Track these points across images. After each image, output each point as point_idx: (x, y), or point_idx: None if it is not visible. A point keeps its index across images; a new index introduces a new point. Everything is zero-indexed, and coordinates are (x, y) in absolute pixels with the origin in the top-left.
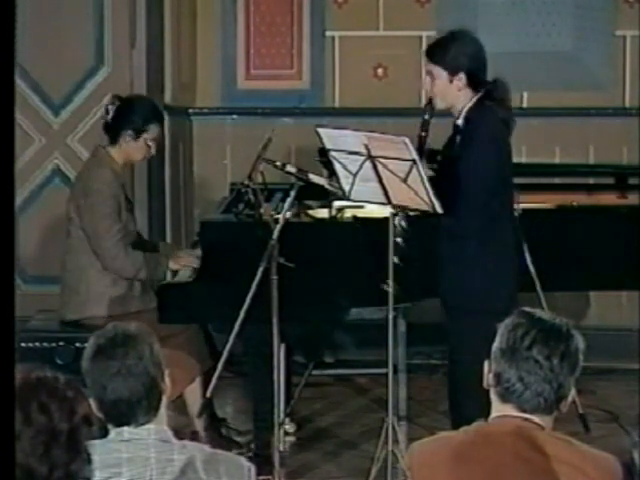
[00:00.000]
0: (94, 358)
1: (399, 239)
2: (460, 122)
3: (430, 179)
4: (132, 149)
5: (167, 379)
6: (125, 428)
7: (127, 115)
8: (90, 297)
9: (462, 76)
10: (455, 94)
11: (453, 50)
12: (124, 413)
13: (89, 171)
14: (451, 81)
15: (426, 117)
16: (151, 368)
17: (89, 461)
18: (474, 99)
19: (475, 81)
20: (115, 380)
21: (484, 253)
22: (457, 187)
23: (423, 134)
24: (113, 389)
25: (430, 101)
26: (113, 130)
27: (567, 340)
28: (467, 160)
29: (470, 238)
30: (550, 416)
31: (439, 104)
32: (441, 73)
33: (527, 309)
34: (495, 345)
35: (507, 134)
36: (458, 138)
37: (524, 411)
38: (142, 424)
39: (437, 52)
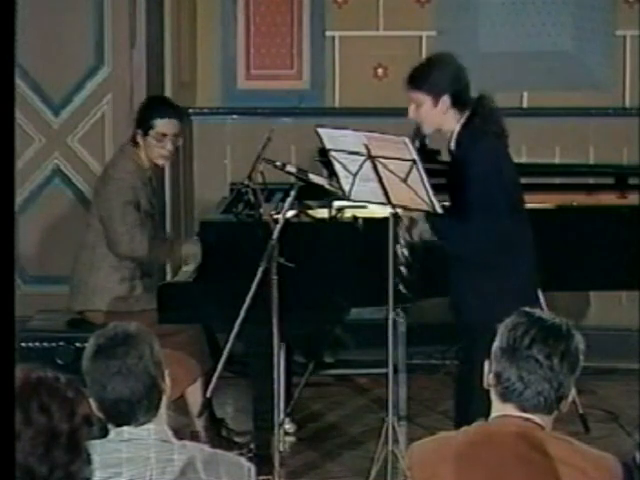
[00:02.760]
0: (94, 358)
1: (402, 253)
2: (452, 146)
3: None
4: (146, 147)
5: (167, 379)
6: (125, 428)
7: (137, 114)
8: (97, 291)
9: (446, 98)
10: (441, 117)
11: (434, 74)
12: (124, 413)
13: (113, 162)
14: (435, 105)
15: (417, 145)
16: (151, 368)
17: (89, 461)
18: (461, 121)
19: (460, 101)
20: (115, 380)
21: (493, 274)
22: (462, 212)
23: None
24: (113, 389)
25: (418, 129)
26: (133, 131)
27: (567, 339)
28: (468, 185)
29: (479, 260)
30: (550, 416)
31: (426, 129)
32: (425, 98)
33: (527, 309)
34: (495, 345)
35: (503, 148)
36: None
37: (524, 410)
38: (142, 424)
39: (418, 78)
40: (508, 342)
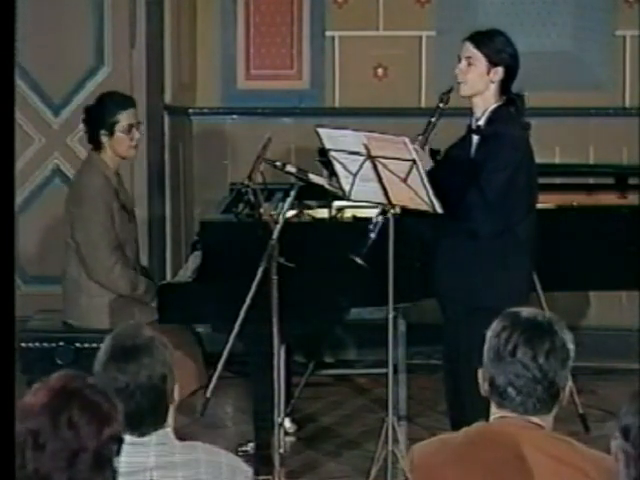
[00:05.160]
0: (105, 364)
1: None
2: (482, 122)
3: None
4: (114, 146)
5: (176, 392)
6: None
7: (94, 117)
8: (91, 309)
9: (499, 70)
10: (486, 86)
11: (499, 43)
12: (127, 424)
13: (81, 177)
14: (488, 71)
15: (433, 120)
16: (161, 385)
17: (114, 478)
18: (499, 102)
19: (508, 81)
20: (121, 394)
21: (504, 253)
22: (480, 188)
23: (420, 136)
24: (118, 402)
25: (449, 92)
26: (91, 138)
27: (551, 336)
28: (495, 161)
29: (491, 239)
30: (549, 414)
31: (464, 91)
32: (481, 60)
33: (510, 310)
34: (484, 352)
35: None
36: (475, 138)
37: (521, 413)
38: (145, 434)
39: (483, 40)
40: (494, 349)
